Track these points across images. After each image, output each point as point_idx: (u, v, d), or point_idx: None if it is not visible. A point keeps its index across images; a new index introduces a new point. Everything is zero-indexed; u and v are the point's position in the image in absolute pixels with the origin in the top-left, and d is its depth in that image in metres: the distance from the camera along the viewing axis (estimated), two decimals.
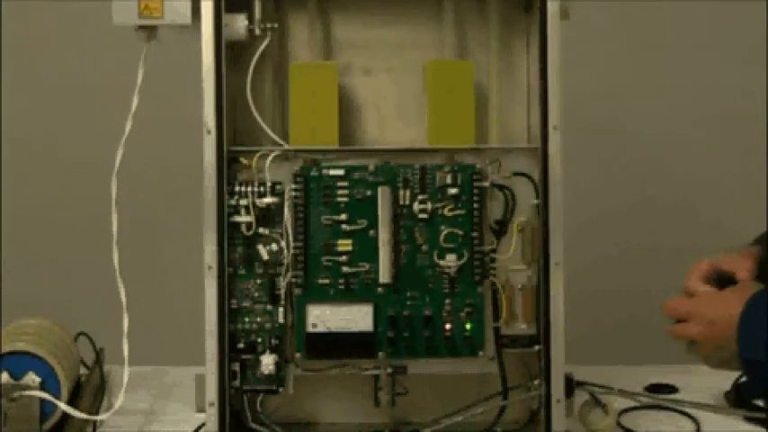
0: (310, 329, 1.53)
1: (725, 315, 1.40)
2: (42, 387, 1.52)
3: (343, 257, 1.53)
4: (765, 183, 2.47)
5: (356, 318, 1.53)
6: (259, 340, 1.53)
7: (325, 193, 1.52)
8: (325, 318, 1.53)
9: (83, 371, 1.70)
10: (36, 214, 2.65)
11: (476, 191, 1.52)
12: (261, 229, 1.52)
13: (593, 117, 2.52)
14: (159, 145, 2.43)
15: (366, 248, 1.52)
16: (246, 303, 1.53)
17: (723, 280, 1.48)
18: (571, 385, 1.54)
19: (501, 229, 1.54)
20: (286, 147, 1.53)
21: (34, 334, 1.59)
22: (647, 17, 2.59)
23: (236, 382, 1.52)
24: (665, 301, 1.48)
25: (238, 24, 1.52)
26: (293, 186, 1.52)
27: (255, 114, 1.54)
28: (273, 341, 1.53)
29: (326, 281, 1.53)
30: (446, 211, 1.53)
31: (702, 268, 1.50)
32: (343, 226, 1.53)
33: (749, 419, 1.63)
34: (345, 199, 1.53)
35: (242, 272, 1.53)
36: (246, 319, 1.53)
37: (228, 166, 1.51)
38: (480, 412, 1.56)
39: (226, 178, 1.50)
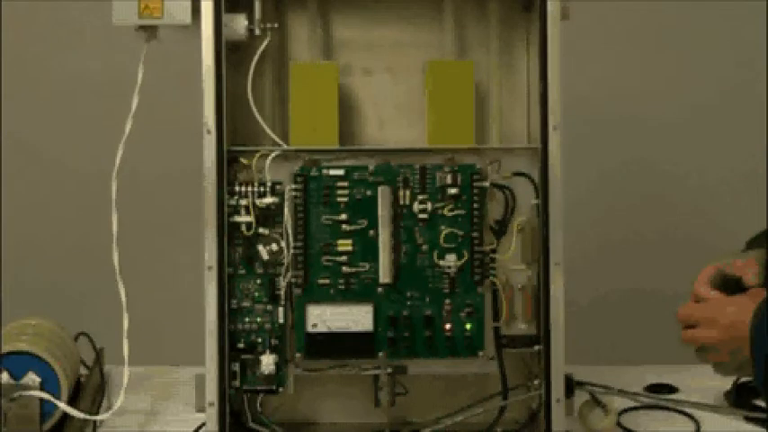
0: (310, 329, 1.53)
1: (737, 320, 1.40)
2: (42, 387, 1.52)
3: (343, 257, 1.53)
4: (766, 182, 2.47)
5: (356, 318, 1.53)
6: (259, 340, 1.53)
7: (325, 193, 1.52)
8: (325, 318, 1.53)
9: (83, 371, 1.71)
10: (36, 214, 2.65)
11: (476, 191, 1.52)
12: (261, 229, 1.52)
13: (593, 117, 2.52)
14: (159, 145, 2.43)
15: (366, 248, 1.52)
16: (246, 303, 1.53)
17: (730, 284, 1.48)
18: (571, 385, 1.54)
19: (501, 229, 1.54)
20: (286, 147, 1.53)
21: (34, 334, 1.59)
22: (647, 17, 2.59)
23: (236, 382, 1.52)
24: (679, 307, 1.49)
25: (238, 24, 1.52)
26: (293, 186, 1.52)
27: (255, 114, 1.54)
28: (273, 341, 1.53)
29: (326, 281, 1.53)
30: (446, 211, 1.53)
31: (709, 273, 1.50)
32: (344, 226, 1.53)
33: (749, 419, 1.63)
34: (345, 199, 1.53)
35: (242, 272, 1.53)
36: (246, 319, 1.53)
37: (228, 166, 1.51)
38: (480, 412, 1.56)
39: (226, 178, 1.50)
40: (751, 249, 1.54)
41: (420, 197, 1.53)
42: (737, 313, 1.41)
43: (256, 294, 1.53)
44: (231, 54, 1.53)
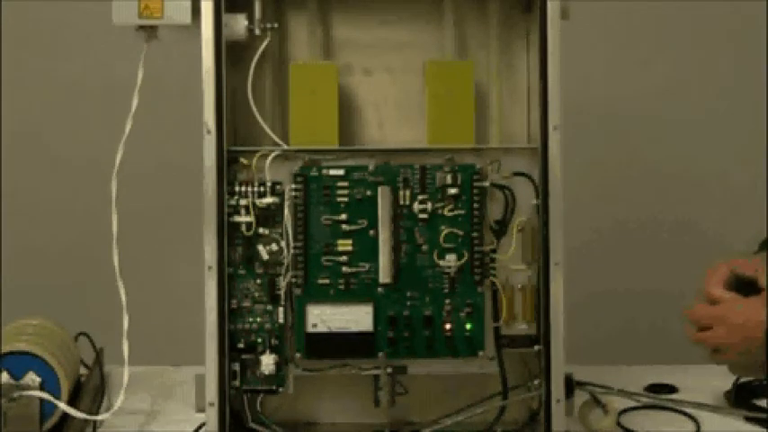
0: (310, 329, 1.53)
1: (753, 321, 1.40)
2: (42, 387, 1.52)
3: (343, 257, 1.52)
4: (766, 183, 2.47)
5: (356, 318, 1.53)
6: (259, 340, 1.53)
7: (325, 193, 1.52)
8: (325, 318, 1.53)
9: (83, 371, 1.70)
10: (36, 214, 2.65)
11: (476, 191, 1.52)
12: (261, 229, 1.52)
13: (593, 117, 2.52)
14: (159, 145, 2.43)
15: (366, 248, 1.52)
16: (246, 303, 1.53)
17: (743, 285, 1.48)
18: (571, 385, 1.54)
19: (501, 229, 1.54)
20: (286, 147, 1.53)
21: (34, 334, 1.59)
22: (647, 17, 2.59)
23: (236, 382, 1.52)
24: (688, 308, 1.48)
25: (238, 24, 1.52)
26: (293, 186, 1.52)
27: (256, 114, 1.54)
28: (273, 341, 1.53)
29: (326, 281, 1.53)
30: (446, 211, 1.53)
31: (721, 273, 1.49)
32: (343, 226, 1.53)
33: (749, 419, 1.63)
34: (345, 199, 1.53)
35: (242, 272, 1.53)
36: (247, 319, 1.53)
37: (228, 166, 1.51)
38: (480, 412, 1.56)
39: (226, 178, 1.50)
40: (764, 250, 1.54)
41: (420, 197, 1.53)
42: (751, 314, 1.41)
43: (256, 294, 1.53)
44: (231, 54, 1.53)
